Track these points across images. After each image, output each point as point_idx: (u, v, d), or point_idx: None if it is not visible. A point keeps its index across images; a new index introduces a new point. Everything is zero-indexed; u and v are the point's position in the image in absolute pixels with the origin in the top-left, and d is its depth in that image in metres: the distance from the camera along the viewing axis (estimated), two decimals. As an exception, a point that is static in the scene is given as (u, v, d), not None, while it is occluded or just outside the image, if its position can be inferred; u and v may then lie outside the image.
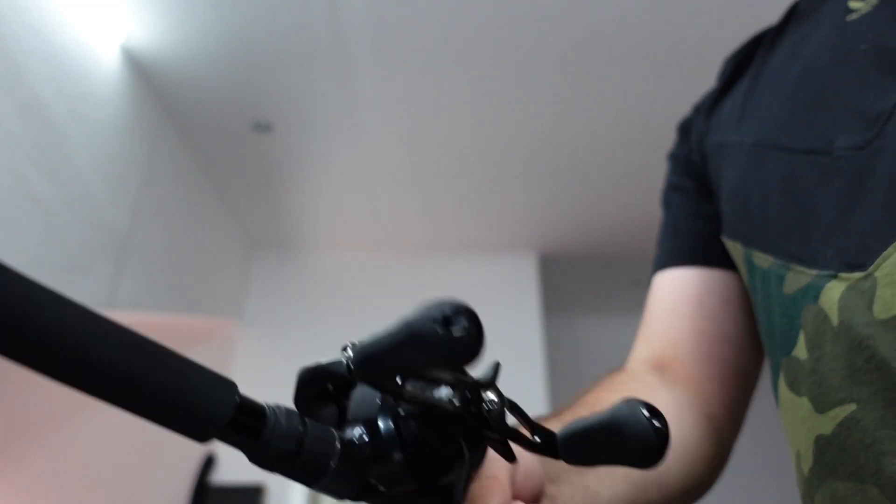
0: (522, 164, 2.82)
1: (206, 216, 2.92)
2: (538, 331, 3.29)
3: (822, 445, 0.43)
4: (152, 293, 2.39)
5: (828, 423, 0.43)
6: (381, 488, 0.32)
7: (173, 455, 2.92)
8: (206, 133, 2.60)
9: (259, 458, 0.30)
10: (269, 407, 0.32)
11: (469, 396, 0.31)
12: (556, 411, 0.52)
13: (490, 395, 0.32)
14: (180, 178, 2.64)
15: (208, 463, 2.89)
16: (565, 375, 3.65)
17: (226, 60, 2.23)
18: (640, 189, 2.98)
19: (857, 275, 0.43)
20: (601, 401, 0.54)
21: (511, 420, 0.33)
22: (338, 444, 0.32)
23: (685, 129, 0.75)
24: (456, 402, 0.30)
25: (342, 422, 0.34)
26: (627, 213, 3.16)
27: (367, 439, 0.32)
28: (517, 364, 3.04)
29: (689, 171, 0.73)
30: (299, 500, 2.87)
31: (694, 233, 0.68)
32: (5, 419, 2.88)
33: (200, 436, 0.28)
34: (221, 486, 2.86)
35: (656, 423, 0.31)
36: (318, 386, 0.36)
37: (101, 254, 2.01)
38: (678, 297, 0.66)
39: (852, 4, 0.54)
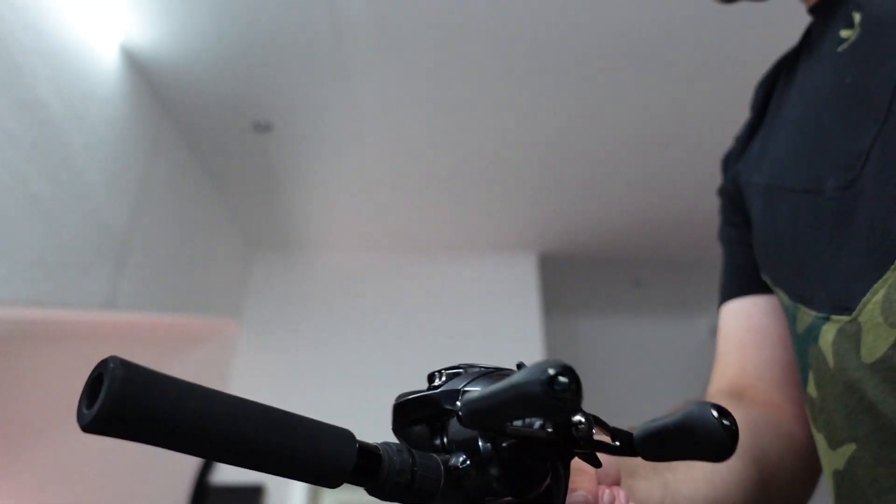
0: (522, 164, 2.82)
1: (205, 216, 2.92)
2: (538, 331, 3.29)
3: (838, 479, 0.45)
4: (152, 293, 2.39)
5: (839, 459, 0.45)
6: (485, 501, 0.36)
7: (173, 455, 2.91)
8: (206, 133, 2.60)
9: (379, 492, 0.34)
10: (382, 448, 0.36)
11: (560, 423, 0.35)
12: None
13: (578, 417, 0.35)
14: (180, 177, 2.64)
15: (208, 463, 2.89)
16: (565, 375, 3.64)
17: (226, 60, 2.22)
18: (640, 190, 2.98)
19: (845, 318, 0.45)
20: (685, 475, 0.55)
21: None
22: (442, 469, 0.36)
23: (726, 162, 0.77)
24: (549, 429, 0.35)
25: (434, 438, 0.38)
26: (627, 213, 3.16)
27: (469, 463, 0.35)
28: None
29: (734, 205, 0.74)
30: (299, 501, 2.86)
31: (750, 263, 0.69)
32: (5, 419, 2.88)
33: (332, 484, 0.33)
34: (221, 486, 2.86)
35: (725, 422, 0.34)
36: (416, 415, 0.39)
37: (100, 254, 2.01)
38: (744, 329, 0.67)
39: (843, 33, 0.55)
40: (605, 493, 0.42)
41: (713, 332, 0.79)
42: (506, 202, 3.11)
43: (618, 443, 0.38)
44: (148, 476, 2.84)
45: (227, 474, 2.91)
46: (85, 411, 0.26)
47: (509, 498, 0.36)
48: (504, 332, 3.25)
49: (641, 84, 2.33)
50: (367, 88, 2.37)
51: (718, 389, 0.65)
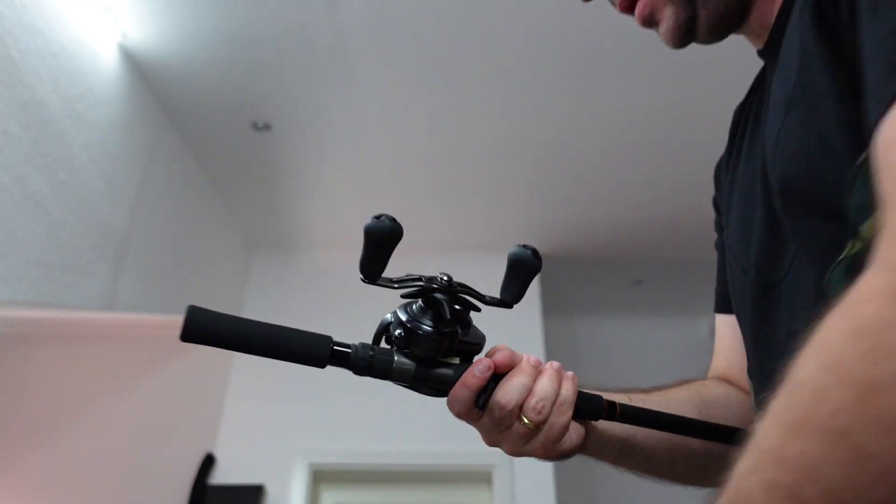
0: (523, 164, 2.82)
1: (205, 215, 2.92)
2: (538, 331, 3.28)
3: None
4: (151, 293, 2.39)
5: None
6: (422, 355, 0.58)
7: (173, 455, 2.91)
8: (205, 132, 2.60)
9: (353, 369, 0.57)
10: (353, 345, 0.58)
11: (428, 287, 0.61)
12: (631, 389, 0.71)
13: (441, 277, 0.62)
14: (179, 177, 2.64)
15: (208, 463, 2.88)
16: (565, 375, 3.64)
17: (225, 60, 2.22)
18: (640, 190, 2.97)
19: None
20: (674, 394, 0.73)
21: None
22: (395, 355, 0.59)
23: (717, 174, 0.80)
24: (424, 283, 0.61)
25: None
26: (627, 213, 3.16)
27: (402, 333, 0.59)
28: (517, 364, 3.03)
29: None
30: (299, 500, 2.86)
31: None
32: (5, 419, 2.88)
33: (319, 365, 0.56)
34: (221, 486, 2.86)
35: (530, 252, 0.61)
36: (383, 330, 0.62)
37: (99, 253, 2.00)
38: (729, 336, 0.77)
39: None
40: (530, 356, 0.61)
41: (713, 332, 0.84)
42: (506, 202, 3.11)
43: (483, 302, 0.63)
44: (148, 476, 2.84)
45: (227, 474, 2.91)
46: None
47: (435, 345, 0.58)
48: (504, 333, 3.23)
49: (641, 84, 2.33)
50: (367, 88, 2.37)
51: (712, 376, 0.81)
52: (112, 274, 2.08)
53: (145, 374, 3.07)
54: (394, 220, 0.56)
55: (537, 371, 0.60)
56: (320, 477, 3.02)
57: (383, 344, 0.60)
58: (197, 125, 2.55)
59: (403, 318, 0.59)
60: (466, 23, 2.10)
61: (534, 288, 3.42)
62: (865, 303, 0.27)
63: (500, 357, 0.59)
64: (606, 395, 0.63)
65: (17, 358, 2.99)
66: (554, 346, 3.53)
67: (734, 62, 2.24)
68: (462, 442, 3.10)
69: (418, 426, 2.97)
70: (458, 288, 0.60)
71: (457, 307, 0.59)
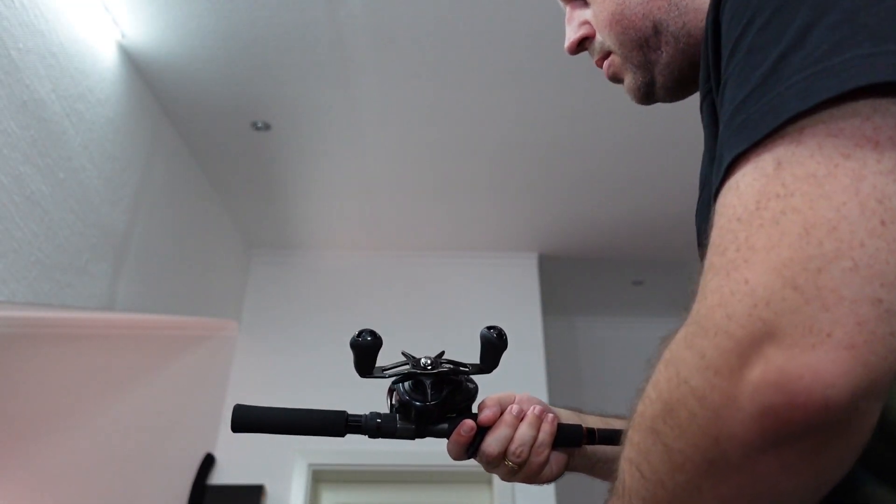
0: (523, 164, 2.81)
1: (204, 215, 2.92)
2: (538, 331, 3.28)
3: None
4: (151, 293, 2.39)
5: None
6: (420, 414, 0.71)
7: (173, 455, 2.91)
8: (205, 132, 2.59)
9: (367, 433, 0.73)
10: (363, 417, 0.74)
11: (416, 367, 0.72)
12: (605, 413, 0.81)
13: (423, 360, 0.72)
14: (178, 177, 2.63)
15: (207, 463, 2.88)
16: (565, 375, 3.64)
17: (224, 59, 2.22)
18: (641, 190, 2.97)
19: None
20: None
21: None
22: (398, 420, 0.73)
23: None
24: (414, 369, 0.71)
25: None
26: (628, 214, 3.15)
27: (398, 406, 0.72)
28: (517, 364, 3.03)
29: None
30: (298, 501, 2.86)
31: None
32: (5, 419, 2.87)
33: (339, 435, 0.73)
34: (221, 486, 2.85)
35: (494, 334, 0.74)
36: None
37: (98, 254, 2.00)
38: None
39: None
40: (514, 407, 0.72)
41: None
42: (506, 203, 3.11)
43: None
44: (148, 476, 2.84)
45: (227, 474, 2.91)
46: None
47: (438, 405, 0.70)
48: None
49: (641, 83, 2.33)
50: (367, 89, 2.36)
51: None
52: (111, 274, 2.08)
53: (145, 374, 3.07)
54: (373, 334, 0.71)
55: (518, 420, 0.72)
56: (320, 477, 3.02)
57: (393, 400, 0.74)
58: (196, 125, 2.55)
59: (400, 393, 0.71)
60: (467, 23, 2.09)
61: (534, 288, 3.42)
62: (675, 343, 0.37)
63: (484, 417, 0.71)
64: (590, 420, 0.77)
65: (17, 358, 2.99)
66: (554, 346, 3.52)
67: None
68: (462, 442, 3.10)
69: (418, 426, 2.97)
70: (443, 366, 0.70)
71: (442, 381, 0.70)
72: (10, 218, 1.57)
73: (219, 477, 2.90)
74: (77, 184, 1.87)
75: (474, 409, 0.73)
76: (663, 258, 3.50)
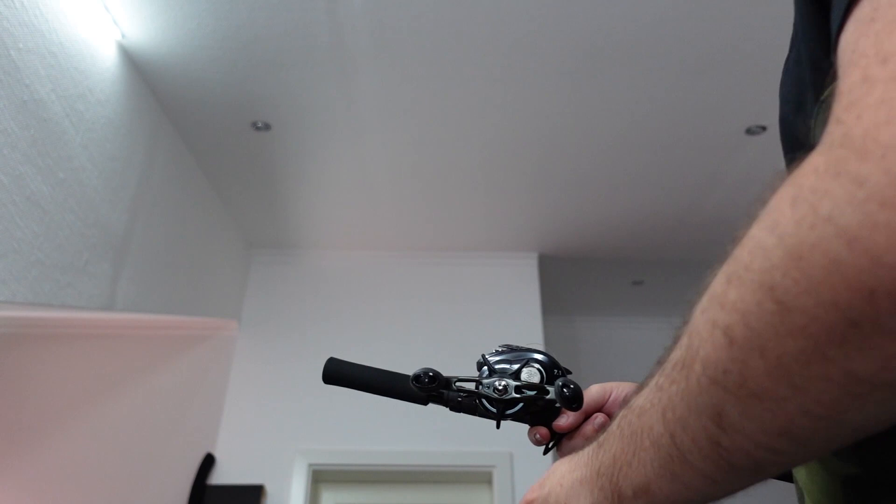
0: (523, 164, 2.81)
1: (204, 215, 2.92)
2: (538, 331, 3.28)
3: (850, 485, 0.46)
4: (150, 293, 2.39)
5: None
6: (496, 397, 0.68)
7: (173, 455, 2.91)
8: (205, 132, 2.59)
9: (448, 406, 0.70)
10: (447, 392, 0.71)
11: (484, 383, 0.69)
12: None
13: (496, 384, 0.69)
14: (178, 177, 2.63)
15: (207, 463, 2.88)
16: (565, 375, 3.63)
17: (224, 59, 2.22)
18: (640, 190, 2.97)
19: None
20: None
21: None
22: (477, 400, 0.68)
23: None
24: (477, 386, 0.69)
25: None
26: (628, 214, 3.15)
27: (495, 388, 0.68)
28: (517, 364, 3.03)
29: None
30: (298, 501, 2.86)
31: None
32: (5, 419, 2.87)
33: (420, 402, 0.71)
34: (221, 486, 2.86)
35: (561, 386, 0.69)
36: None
37: (98, 253, 2.00)
38: None
39: None
40: (597, 419, 0.67)
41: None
42: (506, 202, 3.11)
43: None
44: (148, 476, 2.84)
45: (227, 474, 2.91)
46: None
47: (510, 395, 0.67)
48: (504, 333, 3.24)
49: (641, 84, 2.33)
50: (367, 89, 2.36)
51: None
52: (111, 274, 2.08)
53: (145, 374, 3.07)
54: (431, 376, 0.69)
55: (598, 433, 0.68)
56: (320, 477, 3.02)
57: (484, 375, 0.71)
58: (196, 125, 2.55)
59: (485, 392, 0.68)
60: (466, 23, 2.09)
61: (534, 288, 3.42)
62: (805, 176, 0.29)
63: (560, 424, 0.68)
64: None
65: (17, 358, 2.99)
66: (554, 346, 3.52)
67: (735, 62, 2.24)
68: (462, 442, 3.11)
69: (418, 426, 2.97)
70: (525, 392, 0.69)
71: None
72: (10, 218, 1.57)
73: (219, 477, 2.90)
74: (77, 184, 1.87)
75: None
76: (663, 258, 3.50)
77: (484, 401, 0.67)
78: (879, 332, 0.26)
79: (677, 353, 0.38)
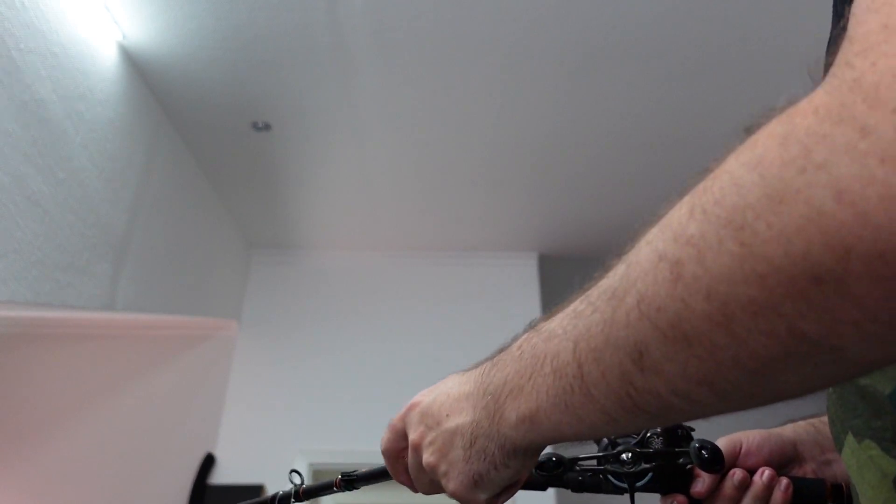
0: (523, 164, 2.81)
1: (204, 215, 2.92)
2: (538, 331, 3.28)
3: None
4: (151, 293, 2.39)
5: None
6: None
7: (173, 455, 2.91)
8: (205, 132, 2.60)
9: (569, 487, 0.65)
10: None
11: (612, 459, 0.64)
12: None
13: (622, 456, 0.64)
14: (179, 177, 2.64)
15: (207, 463, 2.88)
16: (565, 375, 3.63)
17: (225, 59, 2.22)
18: (640, 190, 2.97)
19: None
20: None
21: None
22: (602, 476, 0.64)
23: None
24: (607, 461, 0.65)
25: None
26: (628, 214, 3.15)
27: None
28: (517, 364, 3.03)
29: None
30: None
31: None
32: (5, 419, 2.87)
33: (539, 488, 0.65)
34: (221, 486, 2.86)
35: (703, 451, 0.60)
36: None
37: (98, 254, 2.00)
38: None
39: None
40: (736, 474, 0.62)
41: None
42: (506, 202, 3.11)
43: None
44: (148, 476, 2.84)
45: (227, 474, 2.91)
46: None
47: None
48: (504, 333, 3.23)
49: (642, 84, 2.33)
50: (367, 88, 2.36)
51: None
52: (111, 274, 2.08)
53: (145, 373, 3.07)
54: (557, 461, 0.64)
55: (740, 492, 0.62)
56: (320, 477, 3.01)
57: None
58: (197, 125, 2.55)
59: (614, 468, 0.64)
60: (466, 23, 2.09)
61: (534, 288, 3.42)
62: (804, 116, 0.26)
63: (697, 489, 0.63)
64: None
65: (17, 358, 2.99)
66: (554, 346, 3.52)
67: (734, 62, 2.24)
68: (462, 442, 3.10)
69: (418, 426, 2.97)
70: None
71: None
72: (10, 218, 1.57)
73: (219, 477, 2.90)
74: (77, 184, 1.87)
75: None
76: (663, 258, 3.50)
77: (611, 476, 0.62)
78: (840, 294, 0.24)
79: (608, 282, 0.35)
